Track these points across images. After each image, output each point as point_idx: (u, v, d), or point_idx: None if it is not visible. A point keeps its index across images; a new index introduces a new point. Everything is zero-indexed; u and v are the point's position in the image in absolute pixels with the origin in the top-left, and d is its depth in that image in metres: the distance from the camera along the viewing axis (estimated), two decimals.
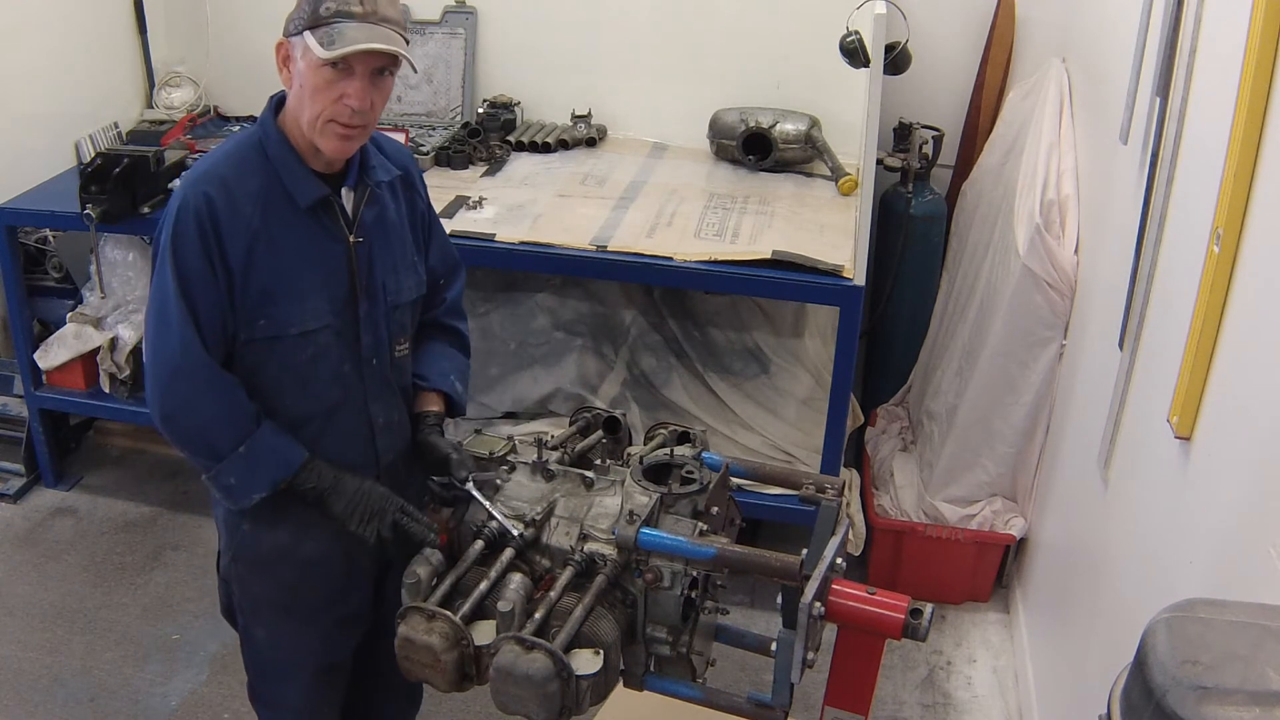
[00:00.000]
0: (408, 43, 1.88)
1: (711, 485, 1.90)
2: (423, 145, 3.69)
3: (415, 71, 1.99)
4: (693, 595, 1.82)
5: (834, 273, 2.91)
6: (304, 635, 2.14)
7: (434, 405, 2.17)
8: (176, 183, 3.42)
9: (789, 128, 3.56)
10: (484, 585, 1.82)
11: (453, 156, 3.63)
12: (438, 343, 2.23)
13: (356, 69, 1.81)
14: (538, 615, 1.74)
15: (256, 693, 2.26)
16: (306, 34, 1.80)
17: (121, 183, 3.24)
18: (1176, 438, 1.87)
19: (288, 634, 2.14)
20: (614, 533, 1.83)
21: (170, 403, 1.91)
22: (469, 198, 3.37)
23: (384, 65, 1.85)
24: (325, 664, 2.18)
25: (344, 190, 1.96)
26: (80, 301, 3.75)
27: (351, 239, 1.96)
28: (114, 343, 3.67)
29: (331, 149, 1.88)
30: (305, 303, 1.92)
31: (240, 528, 2.06)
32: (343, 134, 1.86)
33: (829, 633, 1.78)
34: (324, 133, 1.85)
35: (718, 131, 3.68)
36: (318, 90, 1.82)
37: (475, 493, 1.96)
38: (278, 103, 1.95)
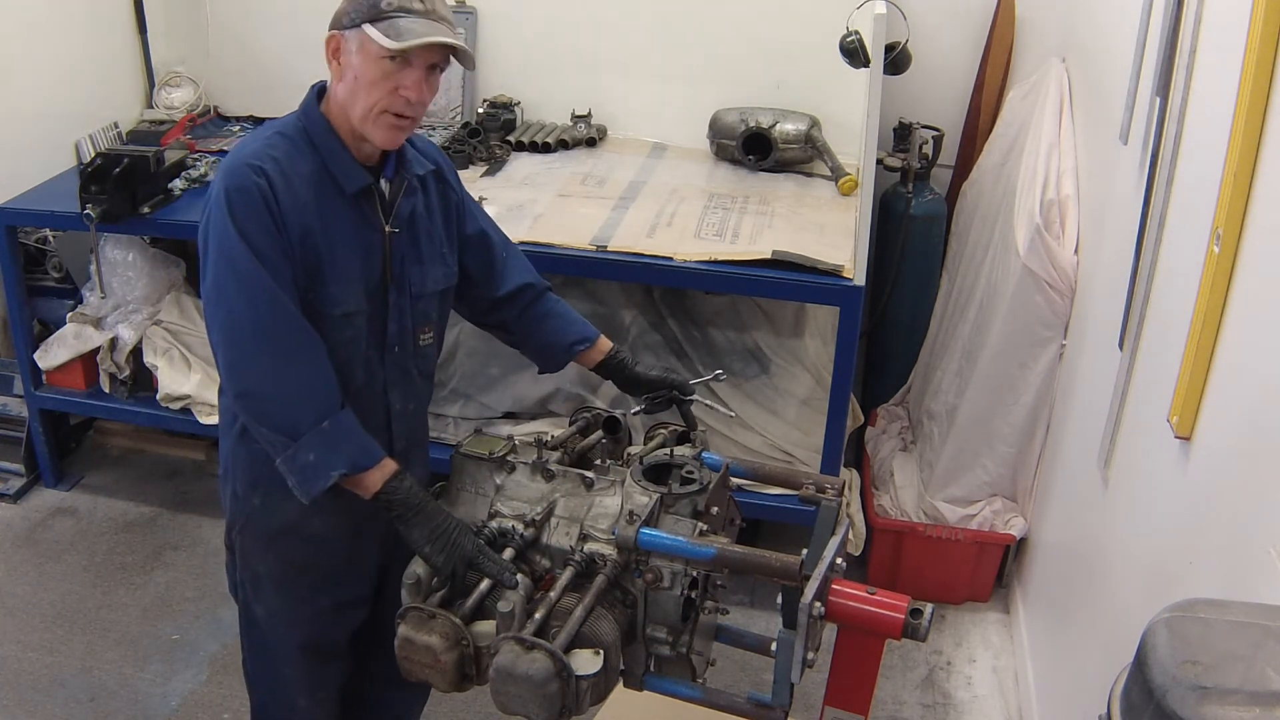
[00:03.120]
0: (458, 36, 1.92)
1: (711, 485, 1.90)
2: None
3: (472, 68, 2.03)
4: (693, 595, 1.82)
5: (834, 273, 2.91)
6: (299, 616, 2.16)
7: (603, 350, 2.30)
8: (185, 176, 3.43)
9: (789, 128, 3.56)
10: (484, 585, 1.82)
11: (453, 156, 3.62)
12: (561, 303, 2.35)
13: (414, 62, 1.86)
14: (538, 615, 1.74)
15: (252, 673, 2.27)
16: (366, 26, 1.83)
17: (121, 183, 3.23)
18: (1176, 438, 1.87)
19: (284, 613, 2.16)
20: (614, 533, 1.83)
21: (250, 377, 1.87)
22: None
23: (438, 61, 1.90)
24: (318, 643, 2.19)
25: (382, 181, 2.00)
26: (80, 301, 3.75)
27: (388, 229, 2.00)
28: (114, 343, 3.67)
29: (383, 139, 1.92)
30: (348, 286, 1.95)
31: (251, 501, 2.08)
32: (395, 124, 1.90)
33: (829, 633, 1.78)
34: (377, 123, 1.89)
35: (718, 131, 3.68)
36: (375, 82, 1.86)
37: (696, 398, 2.24)
38: (319, 91, 1.97)
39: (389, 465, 1.91)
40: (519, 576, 1.83)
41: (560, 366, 2.35)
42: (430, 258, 2.09)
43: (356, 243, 1.96)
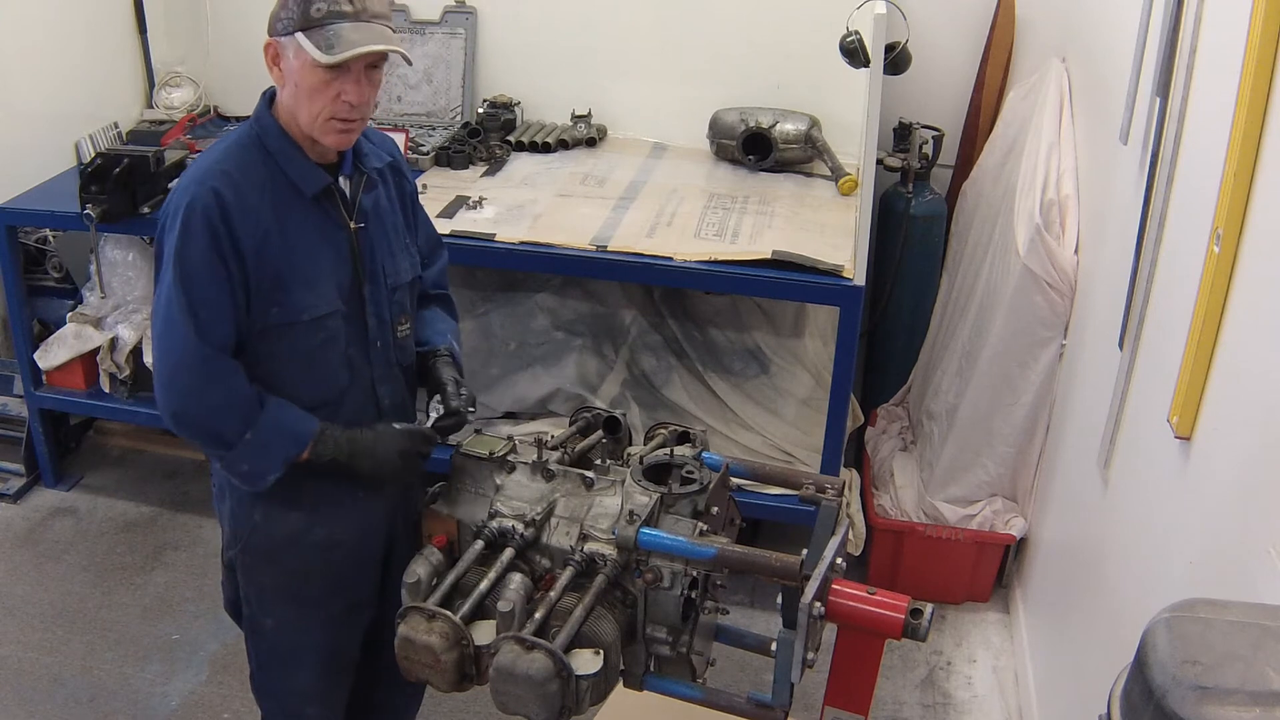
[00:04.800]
0: (394, 31, 1.91)
1: (711, 485, 1.90)
2: (423, 145, 3.69)
3: (409, 64, 2.04)
4: (693, 595, 1.82)
5: (834, 273, 2.91)
6: (312, 623, 2.15)
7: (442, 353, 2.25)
8: (174, 184, 3.44)
9: (789, 128, 3.56)
10: (484, 585, 1.82)
11: (453, 156, 3.63)
12: (428, 310, 2.29)
13: (351, 67, 1.85)
14: (538, 615, 1.74)
15: (262, 684, 2.26)
16: (299, 35, 1.82)
17: (121, 183, 3.23)
18: (1176, 438, 1.87)
19: (295, 622, 2.15)
20: (614, 533, 1.83)
21: (175, 399, 1.93)
22: (469, 198, 3.37)
23: (376, 61, 1.89)
24: (333, 651, 2.20)
25: (341, 179, 2.00)
26: (80, 301, 3.75)
27: (353, 225, 2.00)
28: (114, 343, 3.67)
29: (333, 142, 1.93)
30: (315, 289, 1.96)
31: (252, 517, 2.08)
32: (342, 129, 1.91)
33: (829, 633, 1.78)
34: (324, 129, 1.90)
35: (718, 131, 3.68)
36: (315, 90, 1.85)
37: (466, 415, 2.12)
38: (270, 97, 1.98)
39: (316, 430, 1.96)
40: (519, 576, 1.83)
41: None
42: (398, 249, 2.11)
43: (323, 243, 1.97)
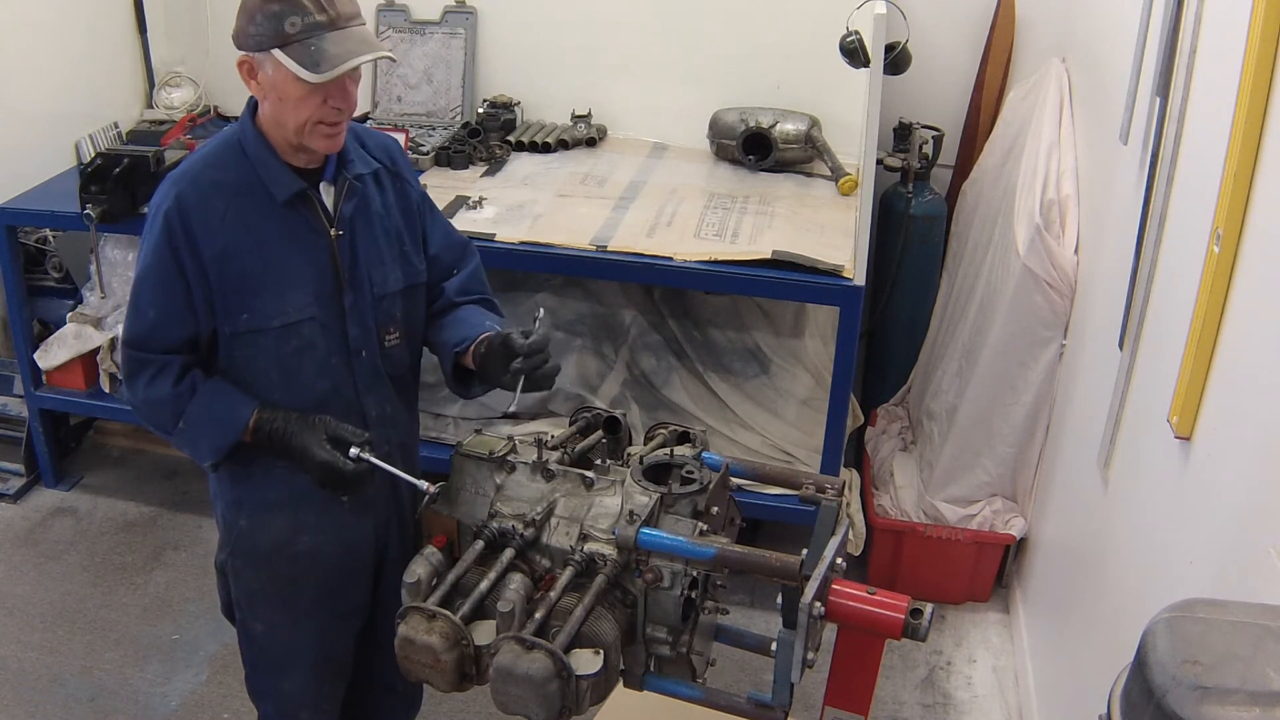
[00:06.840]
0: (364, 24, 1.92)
1: (711, 485, 1.90)
2: (423, 145, 3.69)
3: (394, 61, 2.04)
4: (693, 595, 1.82)
5: (834, 273, 2.91)
6: (302, 628, 2.15)
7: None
8: None
9: (789, 128, 3.56)
10: (484, 585, 1.82)
11: (453, 156, 3.63)
12: (462, 310, 2.17)
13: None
14: (538, 615, 1.74)
15: (255, 687, 2.26)
16: (277, 53, 1.81)
17: (121, 183, 3.24)
18: (1176, 438, 1.87)
19: (286, 627, 2.15)
20: (614, 533, 1.83)
21: (125, 390, 2.03)
22: (469, 198, 3.37)
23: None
24: (324, 656, 2.20)
25: (323, 185, 1.99)
26: (80, 301, 3.75)
27: (333, 232, 1.98)
28: (114, 343, 3.67)
29: (322, 147, 1.92)
30: (287, 296, 1.95)
31: (238, 523, 2.09)
32: (330, 132, 1.91)
33: (829, 633, 1.78)
34: (313, 135, 1.90)
35: (718, 131, 3.68)
36: (301, 101, 1.85)
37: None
38: (255, 104, 1.97)
39: (251, 418, 1.98)
40: (519, 576, 1.83)
41: (449, 373, 2.16)
42: (390, 257, 2.07)
43: (298, 250, 1.96)
